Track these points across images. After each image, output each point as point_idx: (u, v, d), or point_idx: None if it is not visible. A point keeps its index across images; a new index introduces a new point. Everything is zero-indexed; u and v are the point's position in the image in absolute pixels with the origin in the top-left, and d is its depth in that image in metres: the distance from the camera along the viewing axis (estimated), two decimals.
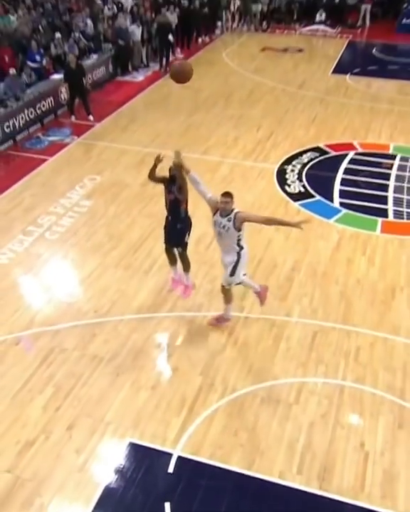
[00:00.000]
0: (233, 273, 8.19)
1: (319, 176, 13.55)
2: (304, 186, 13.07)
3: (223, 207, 7.72)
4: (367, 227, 11.59)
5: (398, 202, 12.50)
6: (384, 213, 12.08)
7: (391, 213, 12.10)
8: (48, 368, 8.03)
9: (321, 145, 15.12)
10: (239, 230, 7.82)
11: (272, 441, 7.01)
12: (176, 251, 9.08)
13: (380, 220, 11.85)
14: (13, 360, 8.16)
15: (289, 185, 13.09)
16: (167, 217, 8.82)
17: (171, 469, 6.63)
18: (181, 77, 8.08)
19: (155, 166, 8.23)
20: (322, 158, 14.46)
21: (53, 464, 6.71)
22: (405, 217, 11.97)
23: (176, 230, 8.79)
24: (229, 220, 7.74)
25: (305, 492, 6.43)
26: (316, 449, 6.92)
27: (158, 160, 8.16)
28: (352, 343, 8.56)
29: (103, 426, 7.17)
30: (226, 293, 8.54)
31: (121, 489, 6.45)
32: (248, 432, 7.12)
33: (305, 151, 14.76)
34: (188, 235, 8.88)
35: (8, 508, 6.22)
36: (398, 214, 12.07)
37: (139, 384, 7.78)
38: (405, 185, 13.21)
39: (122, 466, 6.70)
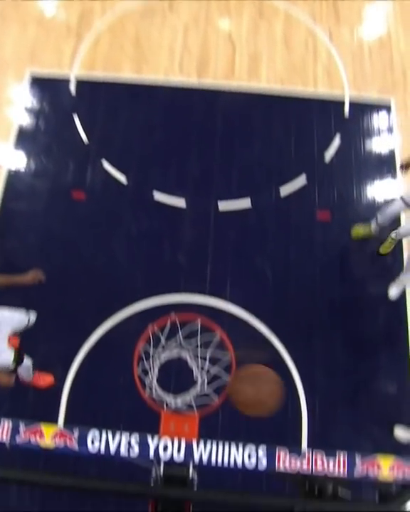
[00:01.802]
0: None
1: None
2: None
3: None
4: None
5: None
6: None
7: None
8: None
9: None
10: None
11: (155, 48, 5.97)
12: None
13: None
14: None
15: None
16: None
17: (73, 92, 5.80)
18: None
19: None
20: None
21: None
22: None
23: None
24: None
25: (188, 88, 5.77)
26: (192, 48, 5.95)
27: None
28: None
29: (4, 67, 6.02)
30: None
31: (34, 121, 5.65)
32: (133, 44, 6.03)
33: None
34: None
35: None
36: None
37: (25, 22, 6.33)
38: None
39: (29, 102, 5.73)
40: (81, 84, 5.81)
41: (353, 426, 4.35)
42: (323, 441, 4.25)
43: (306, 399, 4.41)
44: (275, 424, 4.22)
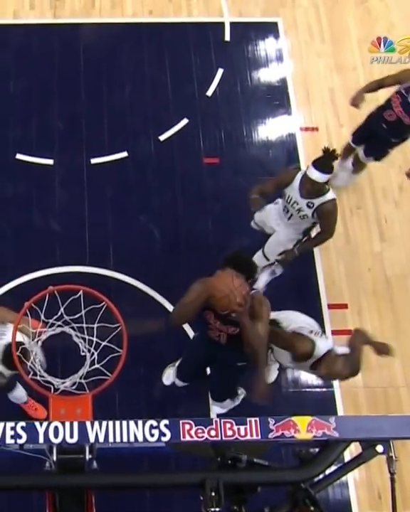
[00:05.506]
0: None
1: None
2: None
3: None
4: None
5: None
6: None
7: None
8: None
9: None
10: None
11: None
12: None
13: None
14: None
15: None
16: None
17: None
18: None
19: None
20: None
21: None
22: None
23: None
24: None
25: (43, 25, 5.33)
26: None
27: None
28: None
29: None
30: None
31: None
32: None
33: None
34: None
35: None
36: None
37: None
38: None
39: None
40: None
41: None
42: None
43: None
44: (179, 397, 4.09)
